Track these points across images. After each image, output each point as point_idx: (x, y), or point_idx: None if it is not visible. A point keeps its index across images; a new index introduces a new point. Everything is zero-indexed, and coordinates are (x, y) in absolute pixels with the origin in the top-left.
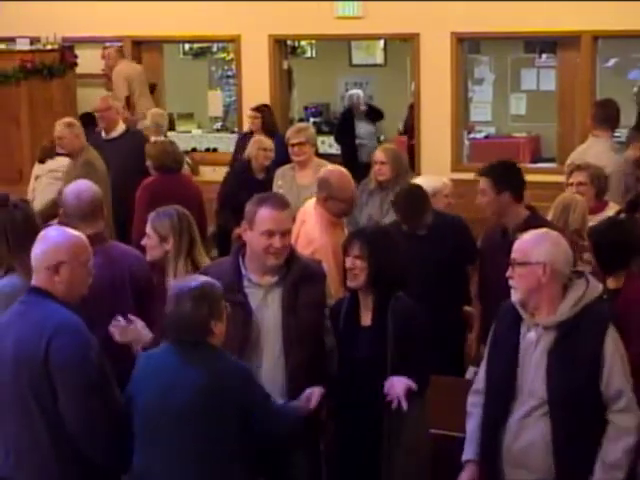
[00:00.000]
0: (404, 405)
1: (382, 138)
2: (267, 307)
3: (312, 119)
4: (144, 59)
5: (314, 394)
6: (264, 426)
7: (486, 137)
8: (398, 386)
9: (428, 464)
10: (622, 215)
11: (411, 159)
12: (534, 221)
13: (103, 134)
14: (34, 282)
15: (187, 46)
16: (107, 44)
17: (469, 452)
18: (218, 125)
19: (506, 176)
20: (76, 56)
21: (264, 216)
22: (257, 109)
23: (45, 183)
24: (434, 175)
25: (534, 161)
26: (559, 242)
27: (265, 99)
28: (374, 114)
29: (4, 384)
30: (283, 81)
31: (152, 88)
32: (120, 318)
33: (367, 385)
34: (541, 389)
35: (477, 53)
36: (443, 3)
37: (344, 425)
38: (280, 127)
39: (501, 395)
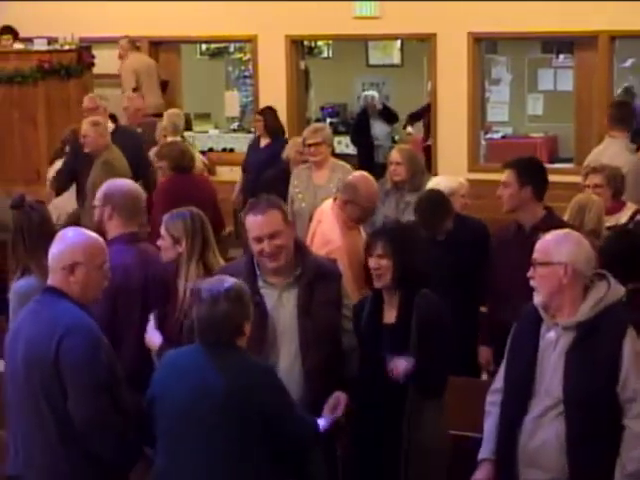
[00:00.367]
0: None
1: (397, 138)
2: (283, 307)
3: (329, 119)
4: (161, 59)
5: (340, 402)
6: (290, 427)
7: (503, 137)
8: (400, 366)
9: (446, 465)
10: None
11: (427, 160)
12: (550, 221)
13: None
14: (50, 282)
15: (204, 46)
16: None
17: (485, 451)
18: (235, 125)
19: (531, 171)
20: (93, 56)
21: (250, 223)
22: (260, 112)
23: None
24: (451, 175)
25: (551, 161)
26: (581, 243)
27: (282, 99)
28: (390, 116)
29: (16, 383)
30: (300, 81)
31: (164, 85)
32: (152, 318)
33: (388, 385)
34: (557, 389)
35: (494, 53)
36: (460, 3)
37: (363, 426)
38: (297, 127)
39: (518, 394)
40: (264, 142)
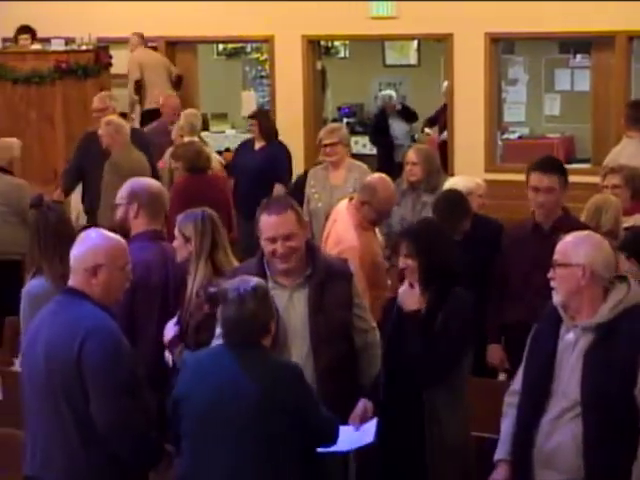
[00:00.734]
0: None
1: (416, 137)
2: (293, 308)
3: (346, 119)
4: (178, 59)
5: (367, 412)
6: (316, 423)
7: (520, 138)
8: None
9: (472, 467)
10: None
11: (443, 156)
12: (567, 221)
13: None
14: (71, 282)
15: (221, 46)
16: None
17: (501, 452)
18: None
19: (566, 173)
20: (110, 56)
21: (264, 223)
22: (253, 115)
23: None
24: (467, 176)
25: (568, 162)
26: (601, 245)
27: (298, 99)
28: (408, 115)
29: (35, 384)
30: (317, 81)
31: (178, 79)
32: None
33: (413, 384)
34: (575, 390)
35: (511, 53)
36: (477, 3)
37: (387, 426)
38: (313, 128)
39: (535, 395)
40: (259, 145)
